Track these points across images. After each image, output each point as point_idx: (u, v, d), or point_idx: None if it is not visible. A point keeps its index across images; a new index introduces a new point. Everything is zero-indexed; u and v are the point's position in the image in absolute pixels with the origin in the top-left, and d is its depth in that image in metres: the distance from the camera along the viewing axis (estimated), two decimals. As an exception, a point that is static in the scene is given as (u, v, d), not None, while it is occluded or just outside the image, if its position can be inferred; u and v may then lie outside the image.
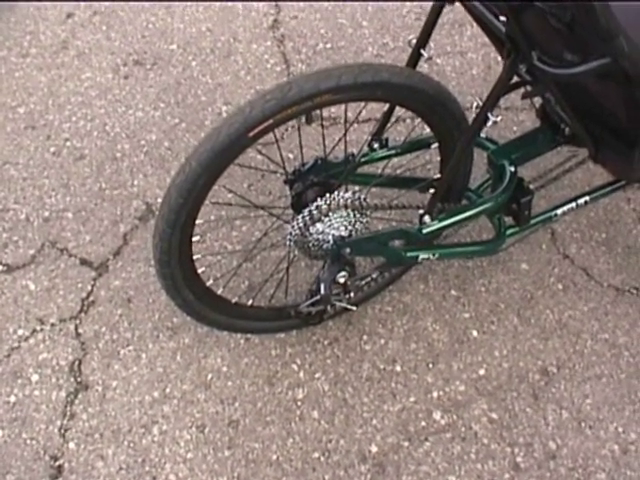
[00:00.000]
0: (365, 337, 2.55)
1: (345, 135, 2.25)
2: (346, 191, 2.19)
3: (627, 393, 2.45)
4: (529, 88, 2.15)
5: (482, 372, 2.48)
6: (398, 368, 2.49)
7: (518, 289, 2.66)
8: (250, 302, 2.45)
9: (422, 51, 2.17)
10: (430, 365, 2.49)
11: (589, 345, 2.55)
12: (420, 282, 2.67)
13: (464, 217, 2.27)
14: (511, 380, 2.46)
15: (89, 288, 2.67)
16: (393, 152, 2.34)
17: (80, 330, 2.57)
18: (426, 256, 2.30)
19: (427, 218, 2.22)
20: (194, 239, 2.12)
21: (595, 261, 2.74)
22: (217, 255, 2.68)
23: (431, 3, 2.10)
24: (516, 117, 3.10)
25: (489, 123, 2.03)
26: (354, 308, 2.41)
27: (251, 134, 1.91)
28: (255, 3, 3.61)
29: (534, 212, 2.37)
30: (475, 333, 2.56)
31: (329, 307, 2.33)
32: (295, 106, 1.91)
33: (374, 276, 2.44)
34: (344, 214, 2.17)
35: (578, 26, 1.71)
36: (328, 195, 2.14)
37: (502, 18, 1.83)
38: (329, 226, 2.17)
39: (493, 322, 2.59)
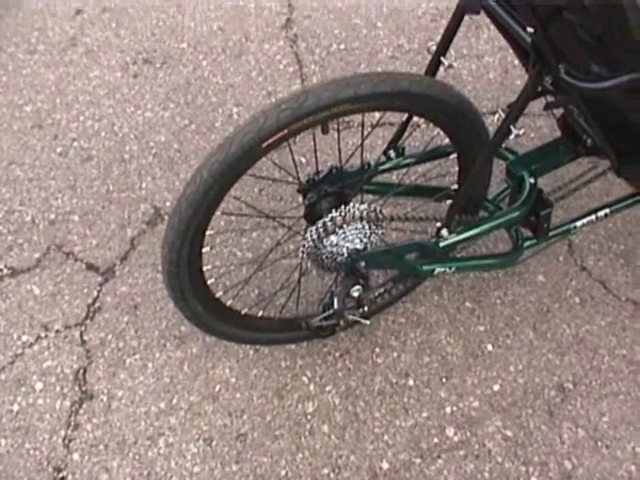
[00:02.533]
0: (377, 350, 2.49)
1: (362, 144, 2.18)
2: (362, 202, 2.13)
3: (645, 411, 2.39)
4: (550, 98, 2.09)
5: (497, 388, 2.42)
6: (411, 382, 2.43)
7: (534, 302, 2.60)
8: (260, 313, 2.39)
9: (442, 59, 2.10)
10: (444, 379, 2.43)
11: (606, 361, 2.49)
12: (434, 293, 2.61)
13: (482, 230, 2.22)
14: (526, 396, 2.40)
15: (95, 294, 2.62)
16: (410, 161, 2.28)
17: (85, 337, 2.52)
18: (442, 269, 2.25)
19: (445, 231, 2.16)
20: (204, 250, 2.06)
21: (613, 274, 2.68)
22: (227, 266, 2.62)
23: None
24: (534, 123, 3.04)
25: (512, 136, 1.97)
26: (367, 322, 2.35)
27: (265, 144, 1.85)
28: (267, 2, 3.55)
29: (553, 223, 2.31)
30: (490, 347, 2.50)
31: (341, 321, 2.27)
32: (311, 116, 1.85)
33: (388, 288, 2.38)
34: (359, 226, 2.11)
35: (608, 39, 1.64)
36: (343, 207, 2.08)
37: (529, 29, 1.76)
38: (344, 238, 2.11)
39: (508, 336, 2.53)
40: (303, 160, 2.87)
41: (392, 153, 2.27)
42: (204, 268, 2.12)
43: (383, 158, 2.27)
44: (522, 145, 2.83)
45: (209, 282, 2.18)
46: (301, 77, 3.23)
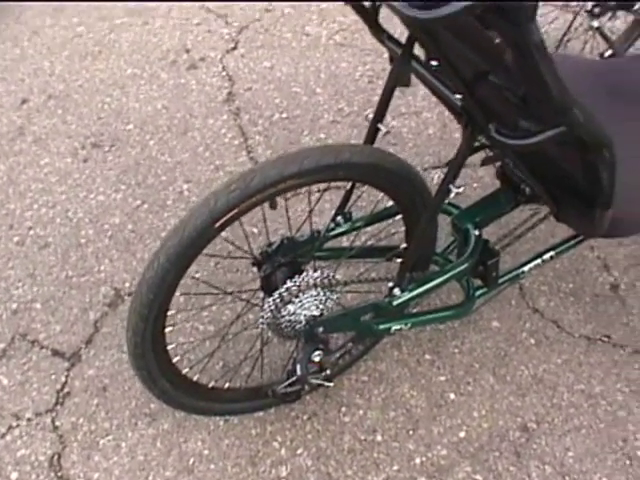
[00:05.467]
0: (344, 409, 2.55)
1: (310, 214, 2.26)
2: (315, 270, 2.20)
3: (608, 442, 2.46)
4: (489, 152, 2.19)
5: (462, 434, 2.49)
6: (379, 437, 2.49)
7: (491, 347, 2.68)
8: (227, 385, 2.45)
9: (379, 125, 2.19)
10: (410, 432, 2.49)
11: (566, 397, 2.56)
12: (394, 349, 2.68)
13: (433, 285, 2.29)
14: (492, 440, 2.47)
15: (63, 379, 2.65)
16: (358, 225, 2.36)
17: (57, 423, 2.55)
18: (399, 327, 2.32)
19: (397, 290, 2.23)
20: (167, 330, 2.13)
21: (564, 312, 2.77)
22: (190, 342, 2.67)
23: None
24: (475, 174, 3.14)
25: (452, 195, 2.06)
26: (330, 384, 2.41)
27: (217, 225, 1.92)
28: (208, 78, 3.64)
29: (501, 269, 2.40)
30: (452, 395, 2.57)
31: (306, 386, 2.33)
32: (259, 194, 1.93)
33: (348, 349, 2.45)
34: (314, 293, 2.18)
35: (532, 99, 1.74)
36: (297, 276, 2.15)
37: (457, 96, 1.86)
38: (300, 307, 2.18)
39: (469, 383, 2.60)
40: (255, 230, 2.94)
41: (340, 219, 2.36)
42: (169, 347, 2.18)
43: (332, 224, 2.35)
44: (466, 195, 2.92)
45: (175, 360, 2.24)
46: (246, 149, 3.31)
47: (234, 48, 3.82)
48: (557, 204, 2.22)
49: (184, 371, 2.31)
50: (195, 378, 2.38)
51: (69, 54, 3.87)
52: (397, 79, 2.07)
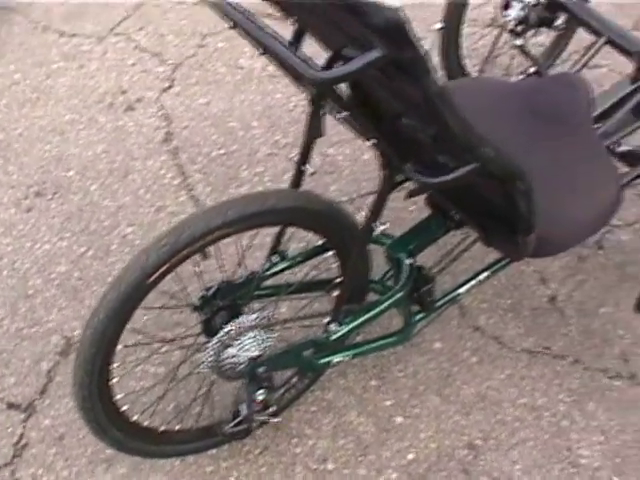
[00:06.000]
0: (294, 440, 2.61)
1: (241, 260, 2.32)
2: (252, 312, 2.27)
3: (553, 453, 2.54)
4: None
5: (411, 456, 2.55)
6: (330, 466, 2.55)
7: (435, 369, 2.75)
8: (178, 427, 2.50)
9: (304, 167, 2.26)
10: (360, 458, 2.56)
11: (510, 412, 2.64)
12: (340, 377, 2.74)
13: (369, 317, 2.35)
14: (440, 460, 2.54)
15: (20, 431, 2.69)
16: (292, 263, 2.42)
17: (17, 475, 2.58)
18: (340, 359, 2.38)
19: (333, 325, 2.30)
20: (113, 381, 2.18)
21: (505, 328, 2.85)
22: (137, 391, 2.69)
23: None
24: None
25: (377, 231, 2.13)
26: (278, 419, 2.47)
27: (150, 280, 1.99)
28: (145, 119, 3.69)
29: (442, 289, 2.48)
30: (399, 419, 2.64)
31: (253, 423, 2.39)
32: (189, 247, 2.00)
33: (293, 383, 2.51)
34: (253, 335, 2.24)
35: (442, 139, 1.81)
36: (234, 320, 2.21)
37: (372, 140, 1.93)
38: (240, 349, 2.24)
39: (415, 405, 2.67)
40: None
41: (275, 258, 2.42)
42: (117, 397, 2.24)
43: (268, 264, 2.41)
44: (402, 219, 3.00)
45: (123, 409, 2.30)
46: (186, 188, 3.37)
47: (170, 87, 3.87)
48: (484, 230, 2.29)
49: (134, 418, 2.36)
50: (146, 423, 2.43)
51: (7, 102, 3.90)
52: (312, 134, 2.14)
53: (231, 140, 3.56)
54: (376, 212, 2.10)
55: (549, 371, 2.74)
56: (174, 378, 2.54)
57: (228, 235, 2.07)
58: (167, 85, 3.90)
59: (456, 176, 1.84)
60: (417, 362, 2.77)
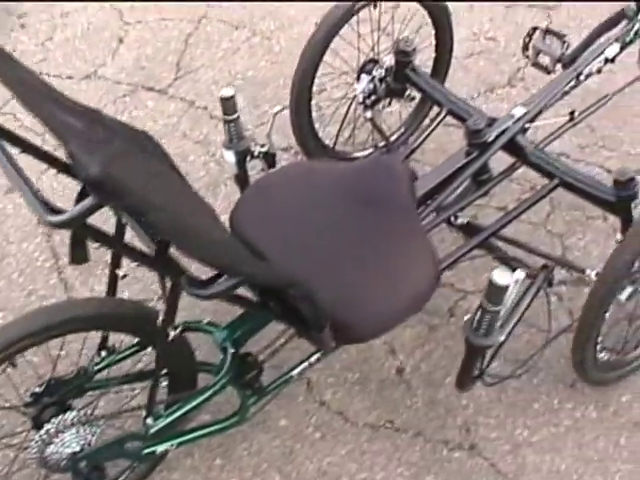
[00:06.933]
0: (140, 523, 2.69)
1: (57, 357, 2.41)
2: (71, 409, 2.36)
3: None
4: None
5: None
6: None
7: (279, 446, 2.83)
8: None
9: (117, 271, 2.39)
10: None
11: (348, 488, 2.73)
12: (187, 458, 2.81)
13: (190, 408, 2.43)
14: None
15: None
16: (121, 356, 2.52)
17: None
18: (164, 448, 2.47)
19: (150, 419, 2.38)
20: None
21: (350, 403, 2.94)
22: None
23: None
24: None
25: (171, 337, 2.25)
26: None
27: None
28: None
29: (289, 364, 2.60)
30: (241, 499, 2.73)
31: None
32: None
33: (132, 469, 2.60)
34: (74, 431, 2.33)
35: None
36: (56, 418, 2.30)
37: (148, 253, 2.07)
38: (62, 445, 2.33)
39: (257, 484, 2.76)
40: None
41: (103, 352, 2.53)
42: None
43: (97, 359, 2.51)
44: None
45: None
46: (57, 270, 3.43)
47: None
48: (291, 324, 2.41)
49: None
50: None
51: None
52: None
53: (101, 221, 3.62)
54: (171, 313, 2.21)
55: (390, 445, 2.84)
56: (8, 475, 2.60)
57: (35, 344, 2.18)
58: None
59: (221, 289, 1.97)
60: (262, 440, 2.85)
